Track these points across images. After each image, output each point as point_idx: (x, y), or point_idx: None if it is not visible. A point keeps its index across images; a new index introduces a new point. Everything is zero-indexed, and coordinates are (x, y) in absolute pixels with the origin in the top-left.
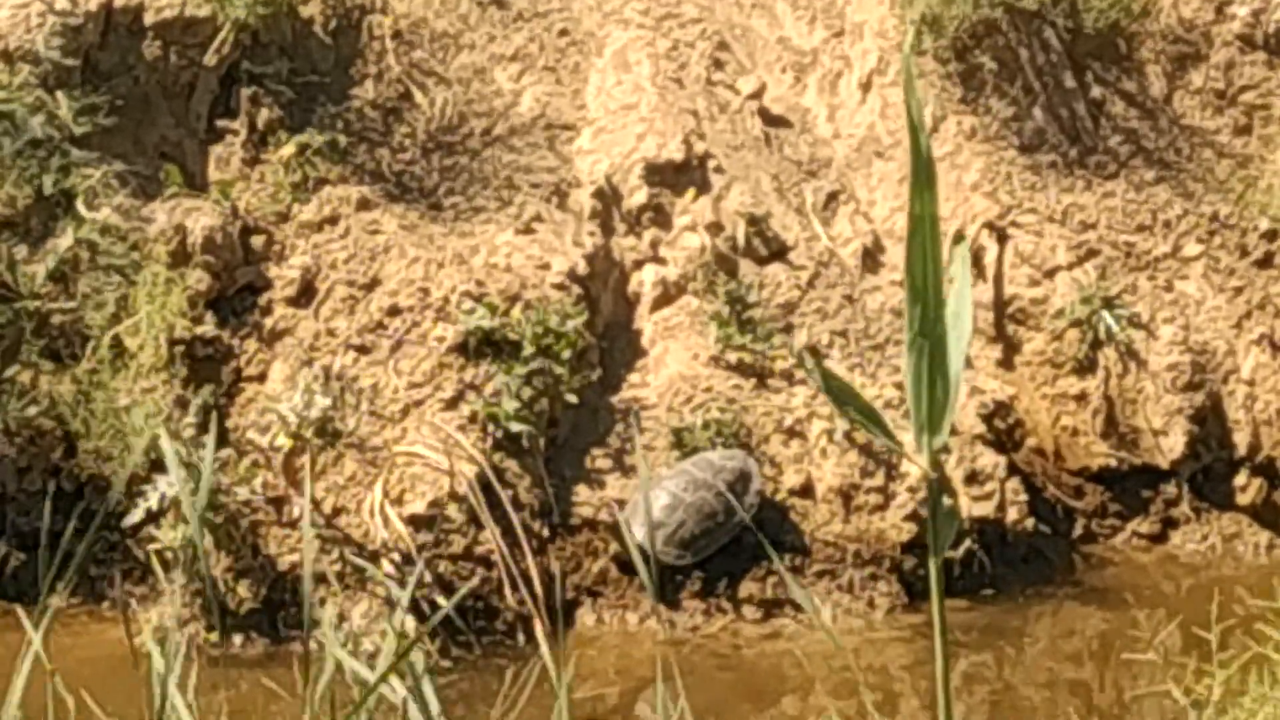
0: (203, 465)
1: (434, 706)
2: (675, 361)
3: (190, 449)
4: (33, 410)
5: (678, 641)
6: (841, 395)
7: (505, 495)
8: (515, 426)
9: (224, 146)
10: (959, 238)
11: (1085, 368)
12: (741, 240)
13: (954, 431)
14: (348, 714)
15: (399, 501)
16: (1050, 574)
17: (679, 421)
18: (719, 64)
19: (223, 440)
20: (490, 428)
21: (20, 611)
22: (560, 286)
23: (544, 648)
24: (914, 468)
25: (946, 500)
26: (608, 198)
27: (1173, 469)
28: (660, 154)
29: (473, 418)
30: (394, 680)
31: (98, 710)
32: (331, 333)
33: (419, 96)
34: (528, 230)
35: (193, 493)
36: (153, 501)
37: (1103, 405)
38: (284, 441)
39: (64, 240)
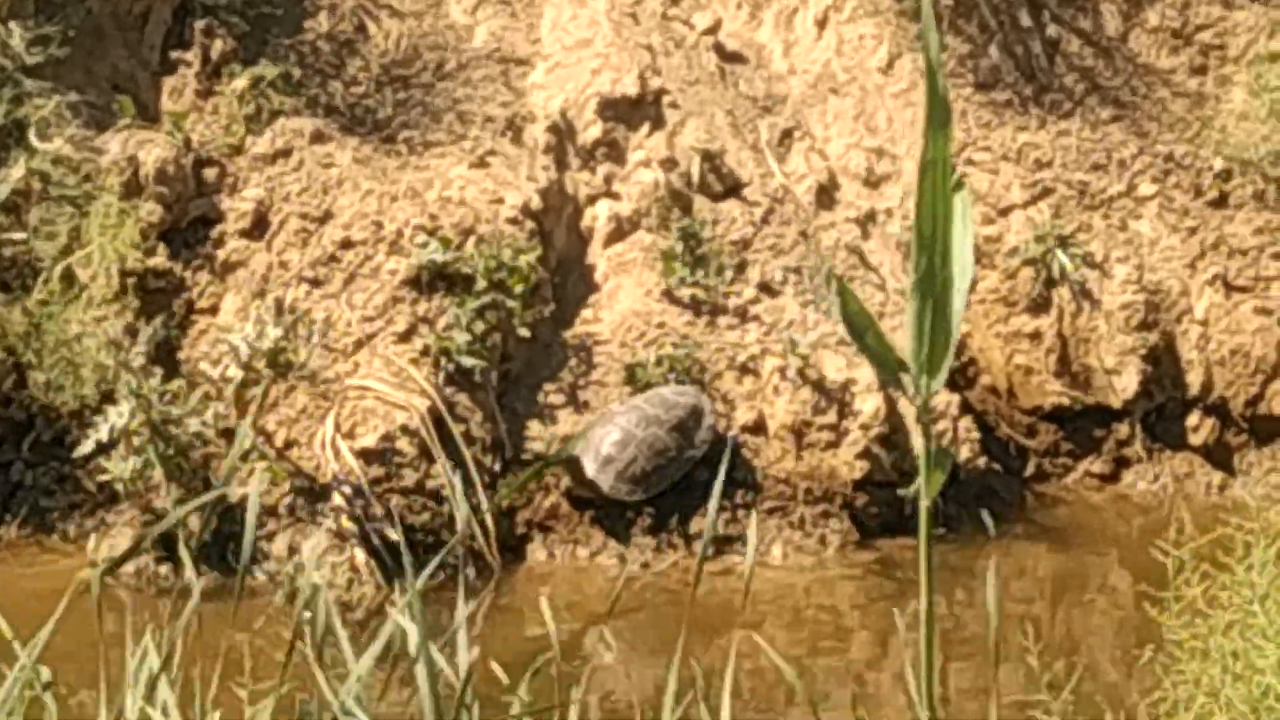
0: (154, 396)
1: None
2: (628, 297)
3: (140, 380)
4: None
5: (629, 577)
6: (857, 325)
7: (457, 430)
8: (467, 361)
9: (177, 78)
10: (958, 183)
11: (1039, 306)
12: (696, 176)
13: (904, 369)
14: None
15: (350, 435)
16: (1003, 512)
17: (632, 357)
18: None
19: (174, 372)
20: (443, 362)
21: None
22: (513, 221)
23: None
24: (867, 405)
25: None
26: (562, 132)
27: (1125, 408)
28: (615, 89)
29: (425, 351)
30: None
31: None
32: (284, 265)
33: (373, 29)
34: (481, 164)
35: (144, 424)
36: (103, 433)
37: (1056, 344)
38: (236, 373)
39: (15, 171)
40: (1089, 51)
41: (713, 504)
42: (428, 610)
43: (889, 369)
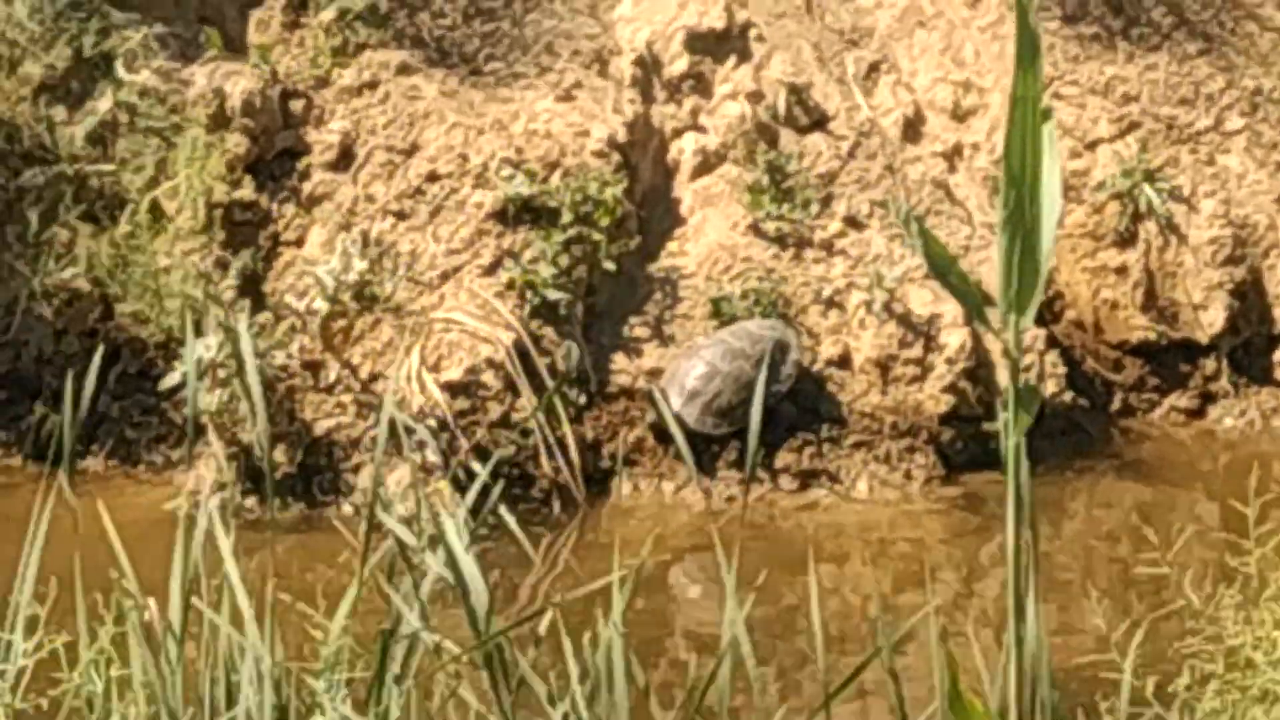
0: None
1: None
2: (714, 230)
3: (228, 313)
4: (70, 273)
5: (714, 512)
6: (939, 263)
7: (542, 363)
8: (553, 294)
9: (264, 10)
10: (1046, 114)
11: (1125, 241)
12: (782, 109)
13: (990, 305)
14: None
15: (436, 368)
16: (1088, 447)
17: (717, 291)
18: None
19: (259, 305)
20: (528, 295)
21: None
22: (599, 154)
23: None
24: (953, 340)
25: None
26: (648, 65)
27: (1212, 343)
28: (701, 22)
29: (510, 285)
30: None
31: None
32: (370, 198)
33: None
34: (568, 97)
35: (233, 356)
36: (189, 365)
37: (1143, 279)
38: (321, 306)
39: (103, 103)
40: None
41: (752, 438)
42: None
43: (975, 306)
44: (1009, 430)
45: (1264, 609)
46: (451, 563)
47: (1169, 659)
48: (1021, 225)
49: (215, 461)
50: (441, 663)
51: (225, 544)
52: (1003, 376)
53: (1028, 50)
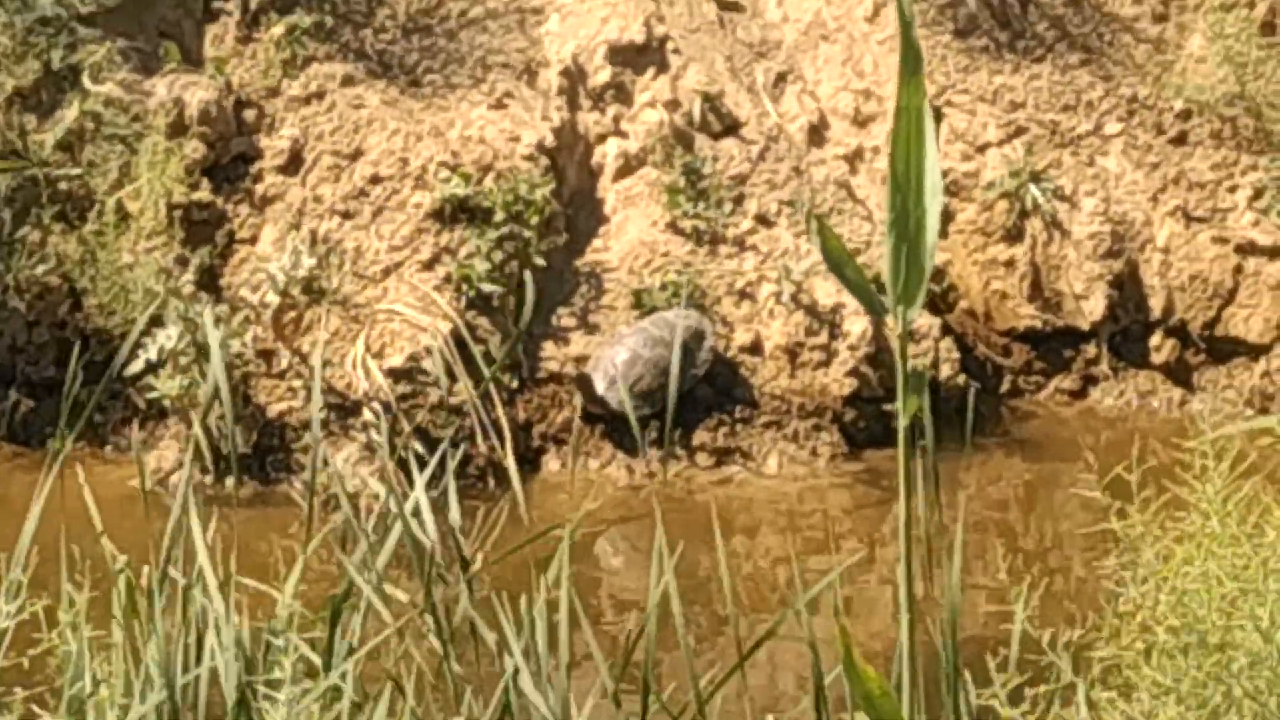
0: (199, 319)
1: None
2: (635, 228)
3: (187, 305)
4: (42, 269)
5: (636, 487)
6: (836, 259)
7: (478, 351)
8: (487, 287)
9: (219, 26)
10: (938, 115)
11: (1013, 236)
12: (697, 116)
13: (882, 298)
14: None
15: (379, 355)
16: (981, 425)
17: (638, 283)
18: None
19: (217, 298)
20: (464, 288)
21: (41, 454)
22: (529, 158)
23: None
24: (855, 327)
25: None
26: (574, 76)
27: (1093, 330)
28: (622, 36)
29: (448, 278)
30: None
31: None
32: (318, 199)
33: None
34: (499, 106)
35: (190, 345)
36: (152, 353)
37: (1029, 271)
38: (273, 299)
39: (71, 112)
40: (1059, 0)
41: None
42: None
43: (868, 300)
44: (901, 410)
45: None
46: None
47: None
48: (907, 225)
49: (176, 443)
50: (396, 623)
51: (197, 523)
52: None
53: (910, 63)
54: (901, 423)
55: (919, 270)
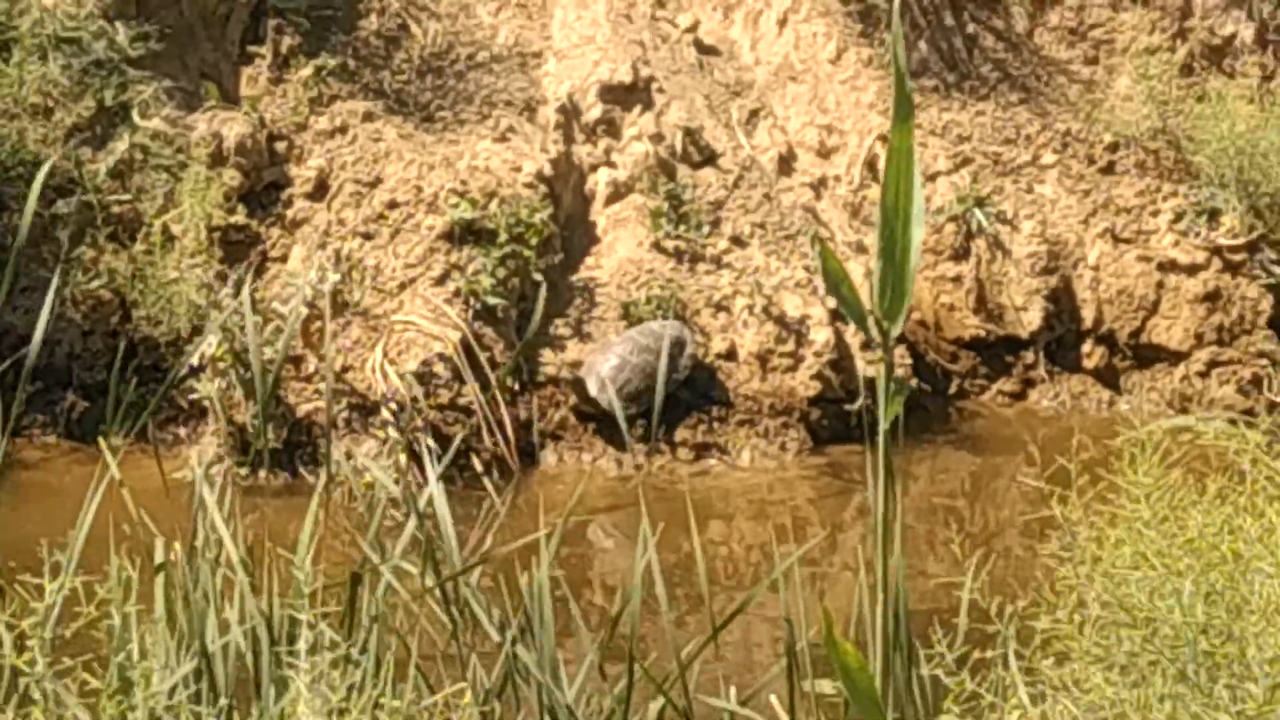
0: (236, 329)
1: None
2: (624, 248)
3: (226, 317)
4: (96, 284)
5: (624, 478)
6: (834, 279)
7: (483, 357)
8: (492, 300)
9: (253, 68)
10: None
11: (960, 255)
12: (679, 148)
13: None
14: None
15: (396, 361)
16: (930, 424)
17: (626, 297)
18: (661, 2)
19: (252, 310)
20: (471, 301)
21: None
22: (529, 185)
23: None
24: (819, 336)
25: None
26: (569, 113)
27: (1031, 338)
28: (613, 77)
29: (457, 292)
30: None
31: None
32: (342, 222)
33: (415, 28)
34: (503, 139)
35: (228, 352)
36: (194, 358)
37: (974, 286)
38: (302, 311)
39: (122, 144)
40: (1001, 45)
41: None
42: (461, 505)
43: (858, 316)
44: (881, 416)
45: (1079, 549)
46: (428, 510)
47: (1002, 592)
48: (894, 252)
49: (214, 439)
50: (411, 595)
51: (212, 501)
52: (861, 367)
53: (903, 110)
54: (882, 426)
55: (902, 291)
